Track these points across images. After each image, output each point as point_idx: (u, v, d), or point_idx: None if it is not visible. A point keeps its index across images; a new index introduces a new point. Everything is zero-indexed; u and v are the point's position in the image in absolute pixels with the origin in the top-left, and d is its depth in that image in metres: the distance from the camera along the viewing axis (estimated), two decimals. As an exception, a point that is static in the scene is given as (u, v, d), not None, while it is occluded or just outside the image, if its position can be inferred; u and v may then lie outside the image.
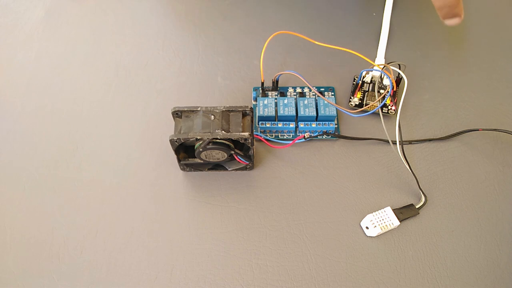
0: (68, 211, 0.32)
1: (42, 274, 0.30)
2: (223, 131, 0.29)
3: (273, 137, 0.35)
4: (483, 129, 0.34)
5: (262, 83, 0.36)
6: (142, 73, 0.39)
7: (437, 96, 0.37)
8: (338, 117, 0.36)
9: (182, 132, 0.30)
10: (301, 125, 0.35)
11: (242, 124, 0.30)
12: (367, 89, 0.37)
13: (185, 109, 0.30)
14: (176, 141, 0.29)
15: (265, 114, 0.34)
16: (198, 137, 0.29)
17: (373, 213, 0.31)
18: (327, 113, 0.34)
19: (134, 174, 0.34)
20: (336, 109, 0.34)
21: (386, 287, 0.29)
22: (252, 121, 0.30)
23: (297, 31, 0.34)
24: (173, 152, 0.31)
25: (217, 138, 0.29)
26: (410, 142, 0.35)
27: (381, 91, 0.36)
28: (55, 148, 0.35)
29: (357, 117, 0.35)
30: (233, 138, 0.29)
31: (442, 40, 0.41)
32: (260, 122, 0.35)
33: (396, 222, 0.31)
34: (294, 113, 0.34)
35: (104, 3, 0.44)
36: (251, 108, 0.30)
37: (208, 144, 0.29)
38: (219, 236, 0.31)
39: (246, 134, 0.29)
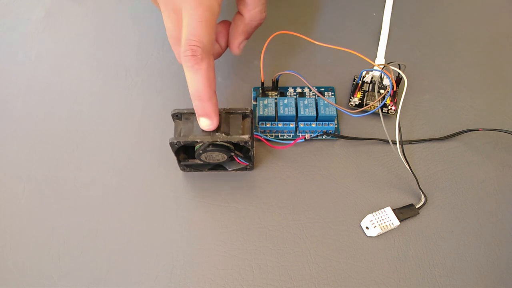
0: (68, 211, 0.32)
1: (42, 274, 0.30)
2: (223, 134, 0.29)
3: (273, 137, 0.35)
4: (483, 129, 0.34)
5: (262, 83, 0.36)
6: (142, 73, 0.39)
7: (437, 96, 0.37)
8: (338, 117, 0.36)
9: (182, 134, 0.29)
10: (301, 125, 0.35)
11: (242, 126, 0.30)
12: (367, 89, 0.37)
13: (185, 111, 0.30)
14: (176, 144, 0.29)
15: (265, 114, 0.34)
16: (198, 140, 0.29)
17: (373, 213, 0.31)
18: (327, 113, 0.34)
19: (134, 174, 0.34)
20: (336, 109, 0.34)
21: (386, 287, 0.29)
22: (252, 123, 0.30)
23: (297, 31, 0.34)
24: (173, 152, 0.31)
25: (217, 141, 0.29)
26: (410, 142, 0.35)
27: (381, 91, 0.36)
28: (55, 148, 0.35)
29: (357, 117, 0.35)
30: (233, 141, 0.29)
31: (442, 40, 0.41)
32: (260, 122, 0.35)
33: (396, 222, 0.31)
34: (294, 113, 0.34)
35: (104, 3, 0.44)
36: (251, 110, 0.30)
37: (208, 146, 0.29)
38: (219, 236, 0.31)
39: (246, 137, 0.29)
